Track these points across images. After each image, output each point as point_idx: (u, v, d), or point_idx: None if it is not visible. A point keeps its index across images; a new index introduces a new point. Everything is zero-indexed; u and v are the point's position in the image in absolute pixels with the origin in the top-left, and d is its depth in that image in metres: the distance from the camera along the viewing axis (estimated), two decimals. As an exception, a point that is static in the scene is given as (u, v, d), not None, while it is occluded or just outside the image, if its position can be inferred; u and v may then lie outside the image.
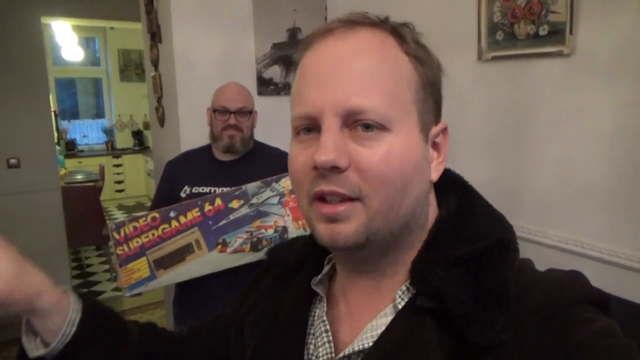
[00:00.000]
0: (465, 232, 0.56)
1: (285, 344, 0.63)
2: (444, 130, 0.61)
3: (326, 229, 0.54)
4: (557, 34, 1.65)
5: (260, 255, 1.56)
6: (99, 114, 9.08)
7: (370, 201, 0.52)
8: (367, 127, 0.52)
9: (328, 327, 0.61)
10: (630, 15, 1.48)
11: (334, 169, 0.51)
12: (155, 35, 2.50)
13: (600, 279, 0.47)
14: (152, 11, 2.49)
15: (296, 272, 0.70)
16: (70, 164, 7.73)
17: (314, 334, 0.63)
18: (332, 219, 0.53)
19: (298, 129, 0.56)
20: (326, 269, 0.67)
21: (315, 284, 0.65)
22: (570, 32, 1.61)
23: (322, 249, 0.66)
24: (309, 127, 0.55)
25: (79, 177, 6.16)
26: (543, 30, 1.69)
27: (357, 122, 0.52)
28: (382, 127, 0.52)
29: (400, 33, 0.56)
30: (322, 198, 0.54)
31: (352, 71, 0.53)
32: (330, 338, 0.60)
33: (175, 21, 2.27)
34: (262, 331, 0.67)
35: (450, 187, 0.63)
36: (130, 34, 8.00)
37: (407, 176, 0.53)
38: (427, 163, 0.58)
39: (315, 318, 0.65)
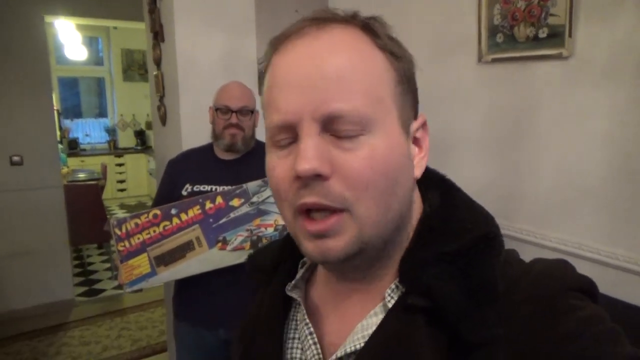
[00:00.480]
0: (451, 227, 0.55)
1: (264, 351, 0.63)
2: (424, 124, 0.59)
3: (315, 247, 0.52)
4: (556, 36, 1.66)
5: None
6: (102, 113, 9.11)
7: (357, 209, 0.50)
8: (348, 130, 0.50)
9: (312, 329, 0.60)
10: (628, 19, 1.50)
11: (317, 177, 0.49)
12: (157, 34, 2.51)
13: (597, 281, 0.49)
14: (155, 10, 2.51)
15: (272, 277, 0.69)
16: (73, 162, 7.75)
17: (299, 338, 0.62)
18: (320, 236, 0.51)
19: (275, 138, 0.53)
20: (300, 272, 0.66)
21: (290, 289, 0.64)
22: (569, 35, 1.62)
23: (295, 253, 0.64)
24: (288, 136, 0.52)
25: (81, 175, 6.18)
26: (542, 33, 1.70)
27: (337, 125, 0.50)
28: (362, 130, 0.50)
29: (372, 29, 0.54)
30: (307, 212, 0.51)
31: (329, 73, 0.50)
32: (316, 340, 0.59)
33: (177, 20, 2.28)
34: (245, 340, 0.67)
35: (431, 182, 0.62)
36: (134, 34, 8.03)
37: (391, 177, 0.51)
38: (410, 160, 0.56)
39: (299, 322, 0.63)
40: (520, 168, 1.87)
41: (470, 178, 2.00)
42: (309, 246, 0.53)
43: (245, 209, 1.57)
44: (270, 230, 1.59)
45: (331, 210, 0.50)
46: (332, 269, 0.60)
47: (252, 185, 1.58)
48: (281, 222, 1.59)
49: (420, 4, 2.19)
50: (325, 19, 0.53)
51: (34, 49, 3.85)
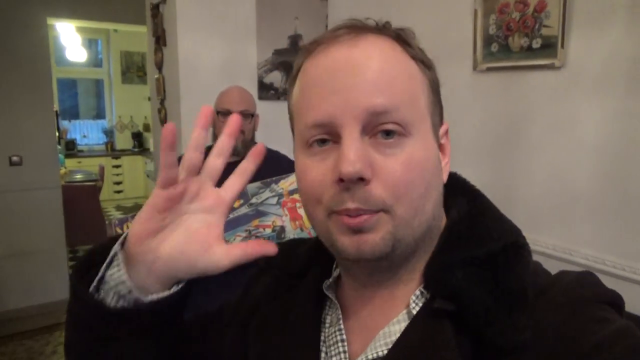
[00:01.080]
0: (479, 234, 0.54)
1: (298, 350, 0.61)
2: (447, 131, 0.60)
3: (351, 241, 0.51)
4: (549, 47, 1.70)
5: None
6: (99, 114, 9.12)
7: (395, 210, 0.50)
8: (388, 133, 0.50)
9: (344, 336, 0.58)
10: (618, 31, 1.54)
11: (359, 181, 0.49)
12: (160, 38, 2.55)
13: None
14: (157, 15, 2.55)
15: (301, 277, 0.68)
16: (70, 163, 7.75)
17: (324, 342, 0.61)
18: (358, 230, 0.50)
19: (310, 140, 0.53)
20: (336, 272, 0.65)
21: (326, 288, 0.63)
22: (562, 46, 1.67)
23: (328, 254, 0.62)
24: (324, 138, 0.52)
25: (79, 176, 6.19)
26: (536, 44, 1.74)
27: (377, 127, 0.50)
28: (402, 132, 0.51)
29: (404, 39, 0.55)
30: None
31: (370, 75, 0.50)
32: (346, 348, 0.58)
33: (180, 26, 2.33)
34: (267, 337, 0.65)
35: (458, 189, 0.62)
36: (134, 36, 8.06)
37: (427, 181, 0.52)
38: (440, 165, 0.57)
39: (327, 325, 0.62)
40: (512, 174, 1.91)
41: (465, 184, 2.04)
42: (345, 241, 0.51)
43: (244, 210, 1.61)
44: (268, 231, 1.62)
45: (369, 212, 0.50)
46: (361, 271, 0.58)
47: (251, 187, 1.62)
48: (279, 223, 1.63)
49: (417, 12, 2.24)
50: (360, 28, 0.54)
51: (36, 50, 3.87)
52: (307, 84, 0.54)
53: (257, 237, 1.61)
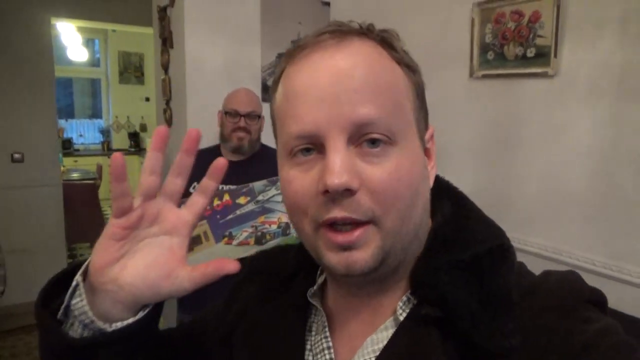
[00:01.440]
0: (464, 237, 0.54)
1: (284, 357, 0.60)
2: (432, 135, 0.59)
3: (340, 259, 0.50)
4: (542, 56, 1.77)
5: (263, 248, 1.67)
6: (95, 114, 9.11)
7: (384, 222, 0.49)
8: (373, 142, 0.49)
9: (330, 344, 0.58)
10: (608, 41, 1.61)
11: (346, 192, 0.47)
12: (167, 40, 2.61)
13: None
14: (165, 18, 2.61)
15: (289, 283, 0.66)
16: (66, 162, 7.75)
17: (311, 350, 0.60)
18: (347, 248, 0.49)
19: (294, 150, 0.51)
20: (321, 279, 0.64)
21: (311, 295, 0.62)
22: (555, 55, 1.73)
23: (313, 260, 0.60)
24: (308, 147, 0.50)
25: (76, 175, 6.22)
26: (530, 53, 1.81)
27: (363, 137, 0.49)
28: (388, 141, 0.49)
29: (389, 42, 0.54)
30: (331, 224, 0.49)
31: (355, 84, 0.49)
32: (333, 356, 0.57)
33: (187, 29, 2.39)
34: (254, 342, 0.64)
35: (442, 193, 0.61)
36: (132, 37, 8.04)
37: (414, 189, 0.51)
38: (427, 171, 0.56)
39: (313, 333, 0.61)
40: (506, 177, 1.96)
41: (459, 186, 2.10)
42: (332, 258, 0.50)
43: (250, 206, 1.67)
44: (273, 227, 1.68)
45: (357, 223, 0.49)
46: (349, 283, 0.57)
47: (257, 185, 1.68)
48: (285, 219, 1.69)
49: (417, 20, 2.29)
50: (343, 32, 0.52)
51: (40, 50, 3.90)
52: (290, 91, 0.52)
53: (263, 232, 1.67)
